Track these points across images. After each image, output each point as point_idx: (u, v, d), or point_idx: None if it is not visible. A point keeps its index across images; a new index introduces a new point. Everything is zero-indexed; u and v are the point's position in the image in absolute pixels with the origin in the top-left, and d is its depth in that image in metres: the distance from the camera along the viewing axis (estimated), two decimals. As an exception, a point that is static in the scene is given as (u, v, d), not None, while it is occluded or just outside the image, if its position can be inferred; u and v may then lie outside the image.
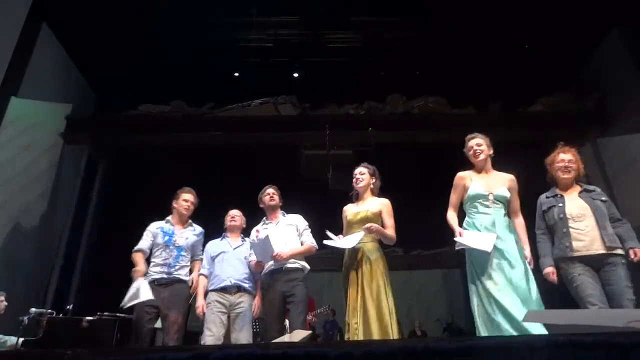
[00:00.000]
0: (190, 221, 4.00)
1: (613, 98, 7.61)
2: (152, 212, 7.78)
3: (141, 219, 7.60)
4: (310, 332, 3.61)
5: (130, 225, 7.64)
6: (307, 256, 3.87)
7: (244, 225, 4.19)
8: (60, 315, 5.06)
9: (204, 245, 4.05)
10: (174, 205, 3.98)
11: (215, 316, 3.63)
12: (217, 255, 3.88)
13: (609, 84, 7.69)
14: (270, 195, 3.98)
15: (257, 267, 3.79)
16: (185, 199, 3.95)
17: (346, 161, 7.50)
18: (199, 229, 4.04)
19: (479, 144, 3.45)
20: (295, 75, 8.96)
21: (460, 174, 3.48)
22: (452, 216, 3.42)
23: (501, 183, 3.36)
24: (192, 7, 7.76)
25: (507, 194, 3.31)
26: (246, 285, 3.78)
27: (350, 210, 3.70)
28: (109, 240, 7.83)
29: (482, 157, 3.43)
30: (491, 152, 3.49)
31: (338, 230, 3.77)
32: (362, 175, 3.72)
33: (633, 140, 7.11)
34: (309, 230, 3.95)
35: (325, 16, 8.09)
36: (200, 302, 3.75)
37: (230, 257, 3.86)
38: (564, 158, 3.32)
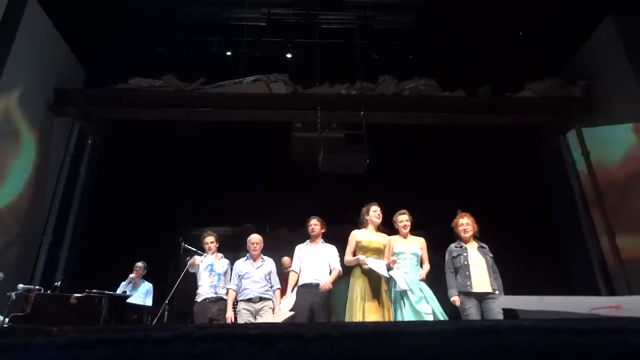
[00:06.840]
0: (220, 254, 5.34)
1: (603, 86, 7.55)
2: (141, 188, 7.75)
3: (130, 195, 7.63)
4: (293, 313, 3.79)
5: (119, 201, 7.67)
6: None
7: (262, 245, 5.17)
8: (48, 291, 5.07)
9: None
10: (204, 246, 5.27)
11: (246, 321, 4.71)
12: (244, 274, 5.02)
13: (600, 71, 7.59)
14: (311, 226, 5.00)
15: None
16: (206, 242, 5.26)
17: (337, 144, 7.47)
18: (226, 260, 5.32)
19: (408, 220, 4.66)
20: (289, 55, 8.88)
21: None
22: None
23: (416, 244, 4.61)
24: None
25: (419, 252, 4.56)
26: (266, 296, 4.93)
27: (364, 237, 4.56)
28: (98, 216, 7.81)
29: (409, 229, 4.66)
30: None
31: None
32: (380, 213, 4.65)
33: (618, 128, 7.14)
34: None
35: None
36: (229, 313, 4.87)
37: (254, 275, 4.98)
38: (463, 222, 4.44)
